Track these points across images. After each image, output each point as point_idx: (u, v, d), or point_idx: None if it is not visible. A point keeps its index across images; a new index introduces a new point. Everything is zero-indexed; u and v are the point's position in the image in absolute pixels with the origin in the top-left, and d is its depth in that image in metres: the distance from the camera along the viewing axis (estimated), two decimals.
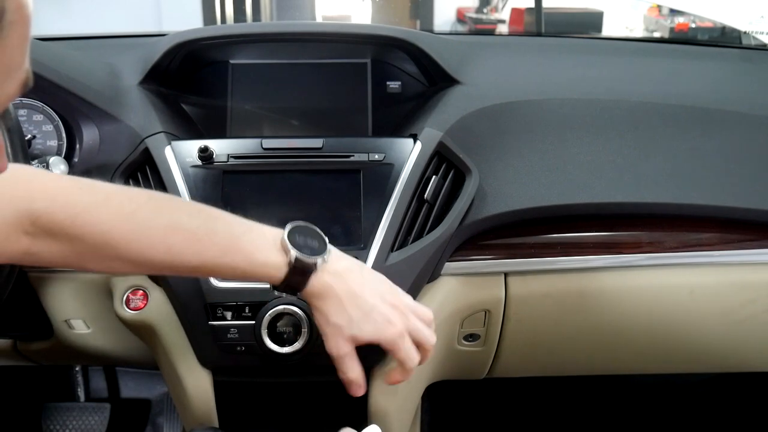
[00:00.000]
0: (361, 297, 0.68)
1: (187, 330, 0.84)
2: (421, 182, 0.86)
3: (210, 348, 0.82)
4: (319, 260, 0.67)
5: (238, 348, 0.81)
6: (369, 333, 0.68)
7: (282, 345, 0.79)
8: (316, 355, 0.80)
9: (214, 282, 0.82)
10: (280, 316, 0.80)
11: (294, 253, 0.66)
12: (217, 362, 0.83)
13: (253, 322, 0.80)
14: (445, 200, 0.87)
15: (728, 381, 1.62)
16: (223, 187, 0.86)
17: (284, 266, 0.66)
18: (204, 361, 0.84)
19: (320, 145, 0.89)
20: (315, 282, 0.67)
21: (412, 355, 0.70)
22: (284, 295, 0.80)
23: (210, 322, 0.81)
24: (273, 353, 0.79)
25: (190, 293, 0.82)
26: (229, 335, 0.81)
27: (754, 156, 0.95)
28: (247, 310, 0.81)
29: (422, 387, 1.00)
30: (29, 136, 0.91)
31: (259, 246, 0.67)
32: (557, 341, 1.01)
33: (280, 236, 0.68)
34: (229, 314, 0.81)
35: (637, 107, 0.97)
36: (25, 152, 0.72)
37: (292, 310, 0.80)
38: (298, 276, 0.67)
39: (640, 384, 1.64)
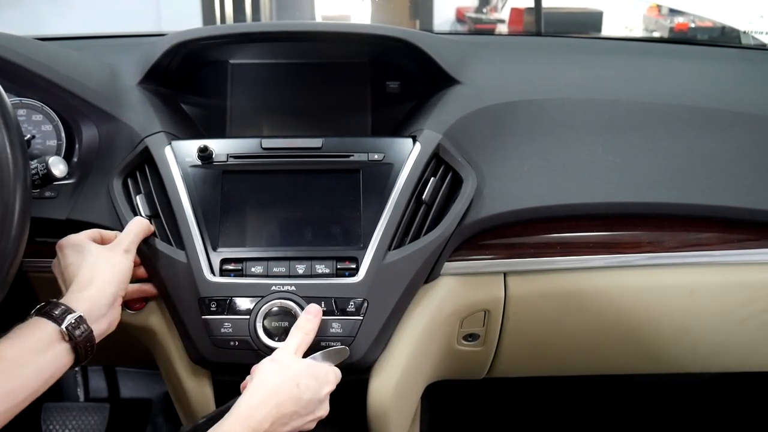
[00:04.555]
0: None
1: (179, 325, 0.83)
2: (420, 183, 0.86)
3: (202, 343, 0.81)
4: None
5: (232, 343, 0.80)
6: None
7: (276, 340, 0.79)
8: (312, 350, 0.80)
9: (208, 276, 0.81)
10: (274, 310, 0.80)
11: None
12: (209, 359, 0.82)
13: (248, 316, 0.80)
14: (443, 202, 0.87)
15: (728, 381, 1.62)
16: (222, 187, 0.86)
17: None
18: (196, 356, 0.83)
19: (320, 145, 0.89)
20: None
21: None
22: (281, 289, 0.80)
23: (203, 317, 0.80)
24: (268, 348, 0.79)
25: (183, 287, 0.81)
26: (222, 330, 0.80)
27: (754, 156, 0.95)
28: (241, 305, 0.81)
29: (422, 387, 1.00)
30: (28, 135, 0.91)
31: None
32: (557, 341, 1.01)
33: None
34: (222, 308, 0.80)
35: (637, 107, 0.97)
36: (24, 152, 0.72)
37: (287, 304, 0.80)
38: None
39: (640, 384, 1.64)
